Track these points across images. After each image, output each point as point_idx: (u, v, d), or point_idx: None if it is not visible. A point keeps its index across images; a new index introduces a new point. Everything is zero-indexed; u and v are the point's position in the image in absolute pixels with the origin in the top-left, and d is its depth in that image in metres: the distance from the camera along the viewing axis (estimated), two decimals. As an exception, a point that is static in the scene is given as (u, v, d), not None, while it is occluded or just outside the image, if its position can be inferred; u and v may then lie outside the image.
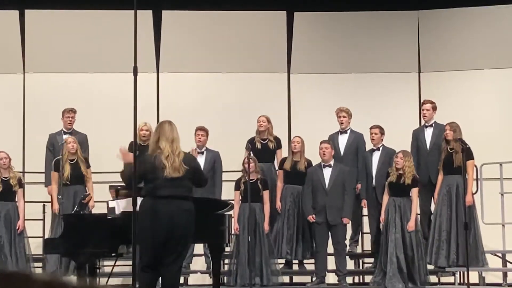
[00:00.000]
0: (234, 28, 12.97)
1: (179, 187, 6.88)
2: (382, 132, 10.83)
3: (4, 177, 10.65)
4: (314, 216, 10.37)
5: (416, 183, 10.31)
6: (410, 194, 10.32)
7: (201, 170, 7.49)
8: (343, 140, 11.04)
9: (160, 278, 7.16)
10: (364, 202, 10.92)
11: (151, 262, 6.82)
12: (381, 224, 10.42)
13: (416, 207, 10.32)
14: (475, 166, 10.72)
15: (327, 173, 10.46)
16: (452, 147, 10.34)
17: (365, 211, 11.22)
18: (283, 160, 10.88)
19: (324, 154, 10.46)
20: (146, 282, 6.86)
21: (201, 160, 10.91)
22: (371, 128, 10.88)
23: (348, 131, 11.06)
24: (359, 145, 11.01)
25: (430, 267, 10.46)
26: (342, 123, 11.03)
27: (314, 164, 10.70)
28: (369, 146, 11.01)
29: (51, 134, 11.22)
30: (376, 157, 10.79)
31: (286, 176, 10.78)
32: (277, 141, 11.17)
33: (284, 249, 10.67)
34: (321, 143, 10.56)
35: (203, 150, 11.00)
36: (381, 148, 10.78)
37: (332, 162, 10.51)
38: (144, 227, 6.72)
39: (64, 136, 11.00)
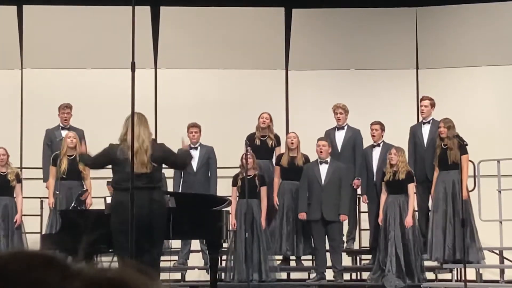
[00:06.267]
0: (232, 24, 12.96)
1: (145, 179, 6.96)
2: (382, 128, 10.83)
3: (2, 172, 10.66)
4: (305, 214, 10.38)
5: (411, 178, 10.31)
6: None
7: (172, 152, 7.40)
8: (340, 136, 11.05)
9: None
10: (364, 198, 10.93)
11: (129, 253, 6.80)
12: (379, 219, 10.42)
13: (412, 203, 10.31)
14: (472, 162, 10.72)
15: (323, 169, 10.46)
16: (446, 143, 10.35)
17: (363, 207, 11.24)
18: (279, 156, 10.88)
19: (321, 151, 10.47)
20: None
21: (195, 155, 10.92)
22: (371, 124, 10.88)
23: (345, 127, 11.06)
24: (356, 141, 11.02)
25: (428, 263, 10.47)
26: (339, 119, 11.03)
27: (311, 159, 10.71)
28: (367, 142, 11.01)
29: (48, 129, 11.21)
30: (376, 153, 10.80)
31: (283, 172, 10.78)
32: (277, 138, 11.17)
33: (284, 246, 10.67)
34: (318, 140, 10.56)
35: (197, 145, 11.00)
36: (381, 144, 10.79)
37: (329, 159, 10.51)
38: (114, 221, 6.77)
39: (62, 131, 11.02)
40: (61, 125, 11.16)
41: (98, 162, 7.41)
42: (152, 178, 7.02)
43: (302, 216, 10.43)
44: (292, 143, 10.71)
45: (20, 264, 1.09)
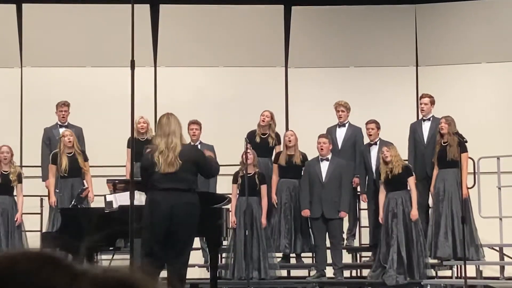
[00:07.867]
0: (232, 22, 12.96)
1: (176, 181, 7.02)
2: (378, 126, 10.86)
3: (4, 171, 10.64)
4: (308, 211, 10.39)
5: (409, 172, 10.30)
6: (408, 187, 10.31)
7: (206, 159, 7.42)
8: (341, 134, 11.06)
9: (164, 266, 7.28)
10: (364, 197, 10.94)
11: (153, 251, 6.91)
12: (379, 218, 10.41)
13: (415, 196, 10.28)
14: (472, 159, 10.73)
15: (324, 166, 10.47)
16: (446, 140, 10.36)
17: (363, 204, 11.24)
18: (277, 155, 10.88)
19: (322, 148, 10.47)
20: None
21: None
22: (367, 123, 10.89)
23: (347, 125, 11.07)
24: (357, 138, 11.03)
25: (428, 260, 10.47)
26: (341, 117, 11.04)
27: (309, 157, 10.71)
28: (366, 140, 11.02)
29: (47, 128, 11.22)
30: (374, 151, 10.81)
31: (281, 170, 10.78)
32: (278, 137, 11.16)
33: (283, 243, 10.67)
34: (319, 137, 10.57)
35: (197, 143, 11.00)
36: (378, 142, 10.80)
37: (329, 156, 10.52)
38: (146, 217, 6.87)
39: (61, 129, 11.01)
40: (59, 123, 11.16)
41: (144, 176, 7.26)
42: (184, 179, 7.05)
43: (306, 213, 10.44)
44: (290, 141, 10.70)
45: (29, 264, 1.09)
